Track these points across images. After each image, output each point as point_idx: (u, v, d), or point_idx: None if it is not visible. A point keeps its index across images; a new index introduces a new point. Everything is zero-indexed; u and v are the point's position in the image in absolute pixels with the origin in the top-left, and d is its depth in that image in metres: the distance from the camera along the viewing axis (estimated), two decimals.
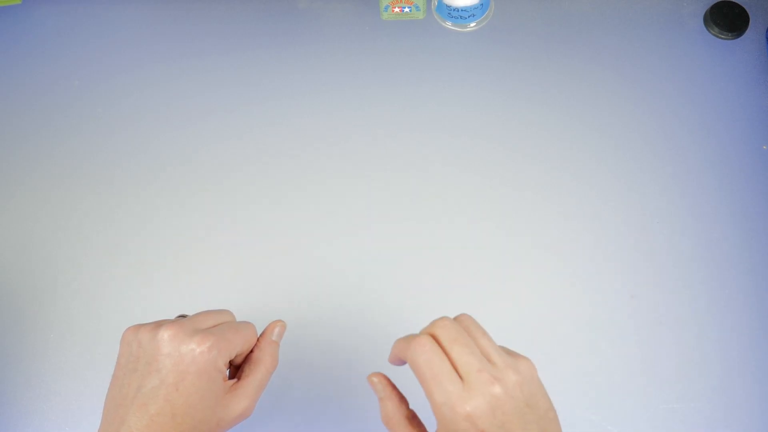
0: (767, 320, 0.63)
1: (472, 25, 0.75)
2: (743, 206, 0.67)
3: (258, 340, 0.46)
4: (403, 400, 0.43)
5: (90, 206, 0.69)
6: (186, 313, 0.48)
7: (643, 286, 0.64)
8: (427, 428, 0.43)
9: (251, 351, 0.46)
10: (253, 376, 0.44)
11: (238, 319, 0.48)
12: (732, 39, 0.74)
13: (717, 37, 0.74)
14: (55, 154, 0.71)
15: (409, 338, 0.40)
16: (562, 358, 0.62)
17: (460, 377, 0.38)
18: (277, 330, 0.48)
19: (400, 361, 0.43)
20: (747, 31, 0.73)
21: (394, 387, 0.43)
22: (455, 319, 0.41)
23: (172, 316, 0.47)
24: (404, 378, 0.44)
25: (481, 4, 0.73)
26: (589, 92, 0.72)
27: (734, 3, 0.74)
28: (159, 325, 0.42)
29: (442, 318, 0.41)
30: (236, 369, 0.46)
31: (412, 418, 0.43)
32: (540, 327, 0.63)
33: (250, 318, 0.49)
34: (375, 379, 0.43)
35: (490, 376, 0.37)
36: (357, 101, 0.72)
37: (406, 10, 0.75)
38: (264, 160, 0.70)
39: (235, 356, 0.45)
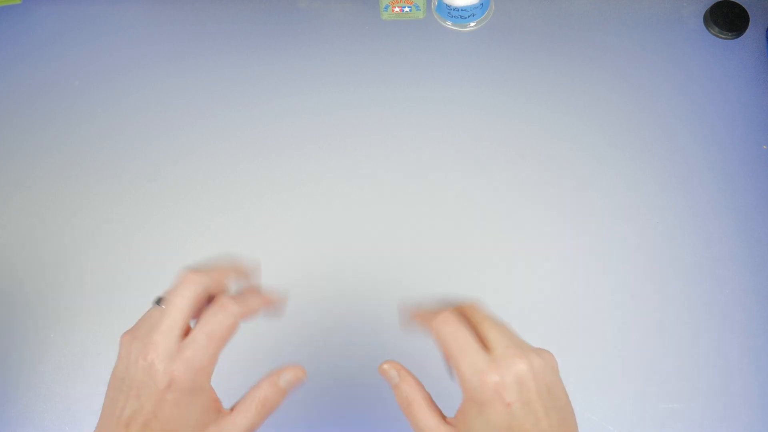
0: (767, 320, 0.63)
1: (472, 24, 0.75)
2: (743, 206, 0.67)
3: (263, 380, 0.42)
4: (418, 382, 0.42)
5: (90, 206, 0.69)
6: (161, 296, 0.46)
7: (643, 286, 0.64)
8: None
9: (254, 389, 0.42)
10: (241, 416, 0.40)
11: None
12: (732, 39, 0.74)
13: (717, 37, 0.74)
14: (55, 154, 0.71)
15: (435, 311, 0.41)
16: (562, 357, 0.61)
17: (488, 351, 0.38)
18: (288, 376, 0.42)
19: (414, 328, 0.42)
20: (747, 31, 0.73)
21: (408, 371, 0.42)
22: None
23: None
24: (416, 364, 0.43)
25: (481, 4, 0.73)
26: (589, 92, 0.72)
27: (734, 3, 0.74)
28: (146, 346, 0.39)
29: (469, 300, 0.41)
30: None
31: (430, 400, 0.42)
32: (540, 327, 0.63)
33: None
34: (386, 366, 0.42)
35: (518, 352, 0.38)
36: (357, 101, 0.72)
37: (406, 9, 0.75)
38: (264, 159, 0.70)
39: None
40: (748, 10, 0.73)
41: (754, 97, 0.71)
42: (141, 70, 0.75)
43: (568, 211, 0.67)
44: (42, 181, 0.70)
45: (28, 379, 0.62)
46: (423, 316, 0.42)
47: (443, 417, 0.41)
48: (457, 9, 0.73)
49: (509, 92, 0.72)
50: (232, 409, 0.41)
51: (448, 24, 0.75)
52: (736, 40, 0.74)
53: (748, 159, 0.68)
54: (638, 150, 0.69)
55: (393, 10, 0.75)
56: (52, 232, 0.68)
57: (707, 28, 0.74)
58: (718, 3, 0.74)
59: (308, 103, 0.73)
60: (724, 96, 0.71)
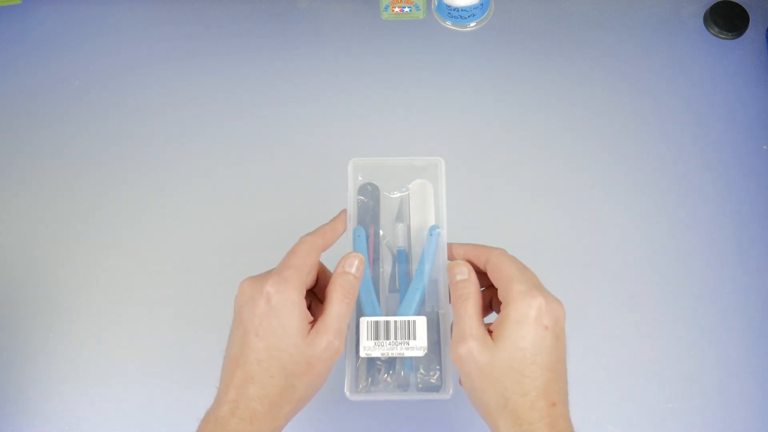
0: (767, 320, 0.63)
1: (472, 25, 0.75)
2: (743, 206, 0.67)
3: (333, 275, 0.45)
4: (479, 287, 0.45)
5: (90, 205, 0.69)
6: None
7: (643, 285, 0.64)
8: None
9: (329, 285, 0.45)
10: (328, 309, 0.43)
11: None
12: (732, 39, 0.74)
13: (717, 37, 0.74)
14: (54, 154, 0.71)
15: (486, 247, 0.47)
16: None
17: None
18: (354, 263, 0.45)
19: (459, 258, 0.47)
20: (747, 31, 0.73)
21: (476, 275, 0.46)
22: None
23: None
24: None
25: (481, 4, 0.73)
26: (589, 92, 0.72)
27: (734, 3, 0.74)
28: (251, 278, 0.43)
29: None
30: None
31: (482, 307, 0.45)
32: None
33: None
34: (456, 264, 0.46)
35: (550, 295, 0.43)
36: (357, 100, 0.72)
37: (406, 9, 0.75)
38: (264, 158, 0.70)
39: (311, 283, 0.46)
40: (748, 10, 0.73)
41: (754, 97, 0.71)
42: (141, 71, 0.75)
43: (567, 211, 0.67)
44: (42, 181, 0.70)
45: (28, 379, 0.62)
46: (475, 249, 0.47)
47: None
48: (457, 9, 0.73)
49: (509, 92, 0.72)
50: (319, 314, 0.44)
51: (448, 24, 0.75)
52: (736, 40, 0.74)
53: (748, 159, 0.68)
54: (638, 150, 0.69)
55: (393, 10, 0.75)
56: (52, 231, 0.68)
57: (707, 28, 0.74)
58: (718, 3, 0.74)
59: (308, 103, 0.73)
60: (724, 96, 0.71)
